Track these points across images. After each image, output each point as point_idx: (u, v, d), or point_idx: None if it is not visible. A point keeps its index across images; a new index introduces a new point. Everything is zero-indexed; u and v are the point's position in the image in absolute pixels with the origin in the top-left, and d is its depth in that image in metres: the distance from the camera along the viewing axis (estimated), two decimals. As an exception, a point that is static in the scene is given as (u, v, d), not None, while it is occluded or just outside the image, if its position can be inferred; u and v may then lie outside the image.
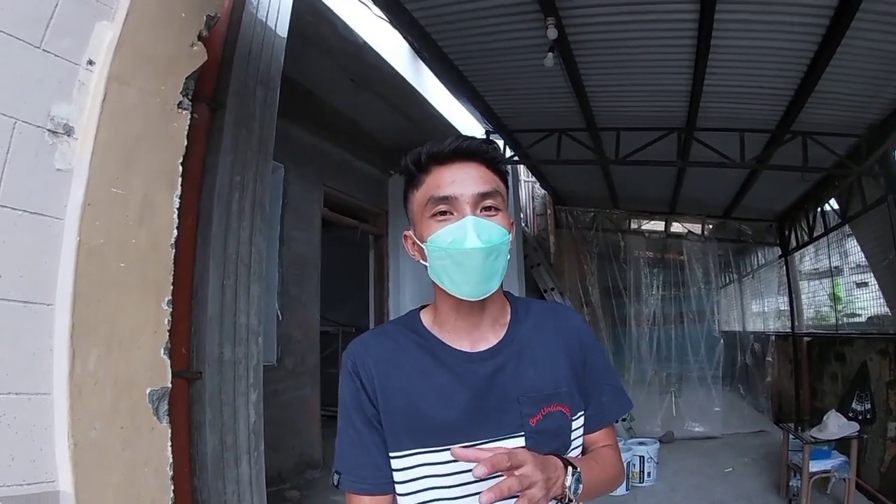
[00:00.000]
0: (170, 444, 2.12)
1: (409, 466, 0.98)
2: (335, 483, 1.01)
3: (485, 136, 5.97)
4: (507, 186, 1.04)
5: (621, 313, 8.68)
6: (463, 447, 0.89)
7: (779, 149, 5.18)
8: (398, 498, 1.00)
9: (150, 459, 2.05)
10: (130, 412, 1.98)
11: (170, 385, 2.15)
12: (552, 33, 3.66)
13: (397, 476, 0.98)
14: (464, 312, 1.02)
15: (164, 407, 2.12)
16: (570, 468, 0.91)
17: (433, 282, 1.02)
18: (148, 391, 2.06)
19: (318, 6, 4.07)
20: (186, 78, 2.31)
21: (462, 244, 0.93)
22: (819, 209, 6.97)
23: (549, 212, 8.22)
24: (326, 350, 6.50)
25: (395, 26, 4.31)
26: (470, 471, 0.81)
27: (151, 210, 2.15)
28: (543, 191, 8.13)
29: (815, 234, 7.22)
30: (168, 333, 2.17)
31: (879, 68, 4.00)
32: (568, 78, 4.54)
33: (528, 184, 8.52)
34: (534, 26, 3.87)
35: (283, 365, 5.15)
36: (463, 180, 0.96)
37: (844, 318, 6.94)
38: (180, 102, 2.29)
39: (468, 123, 5.93)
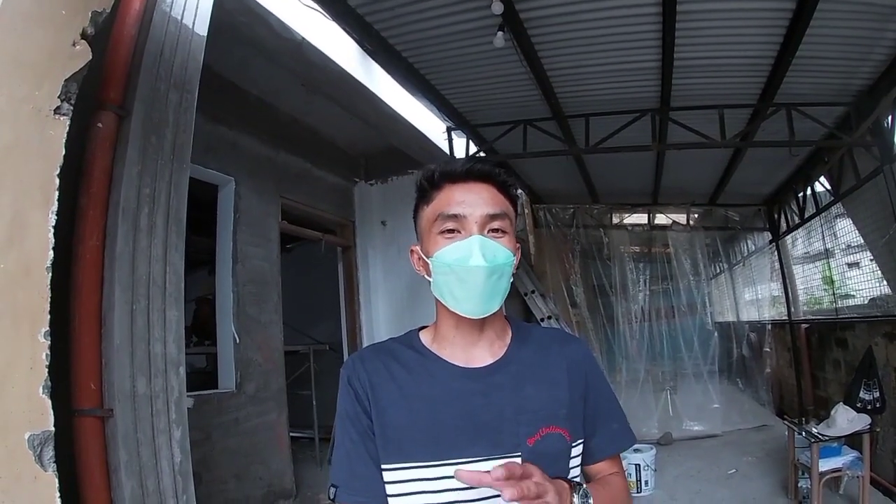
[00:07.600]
0: (58, 494, 1.88)
1: (400, 480, 0.96)
2: (331, 497, 1.00)
3: (446, 131, 5.74)
4: (516, 211, 1.05)
5: (609, 312, 8.36)
6: (461, 468, 0.84)
7: (762, 124, 4.85)
8: None
9: (35, 513, 1.82)
10: (7, 459, 1.76)
11: (52, 428, 1.90)
12: (497, 7, 3.33)
13: (389, 489, 0.97)
14: (463, 330, 1.03)
15: (49, 453, 1.89)
16: (576, 487, 0.91)
17: (435, 298, 1.03)
18: (27, 436, 1.83)
19: (249, 5, 3.73)
20: (66, 80, 2.06)
21: (467, 262, 0.95)
22: (809, 188, 6.66)
23: (526, 211, 7.88)
24: (297, 370, 6.13)
25: (328, 17, 3.96)
26: (462, 488, 0.85)
27: (22, 230, 1.91)
28: (520, 190, 7.80)
29: (805, 216, 6.90)
30: (47, 369, 1.92)
31: (865, 27, 3.68)
32: (525, 62, 4.21)
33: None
34: (480, 5, 3.54)
35: (243, 390, 4.78)
36: (473, 201, 0.98)
37: (841, 302, 6.60)
38: (58, 107, 2.05)
39: (429, 122, 5.58)
